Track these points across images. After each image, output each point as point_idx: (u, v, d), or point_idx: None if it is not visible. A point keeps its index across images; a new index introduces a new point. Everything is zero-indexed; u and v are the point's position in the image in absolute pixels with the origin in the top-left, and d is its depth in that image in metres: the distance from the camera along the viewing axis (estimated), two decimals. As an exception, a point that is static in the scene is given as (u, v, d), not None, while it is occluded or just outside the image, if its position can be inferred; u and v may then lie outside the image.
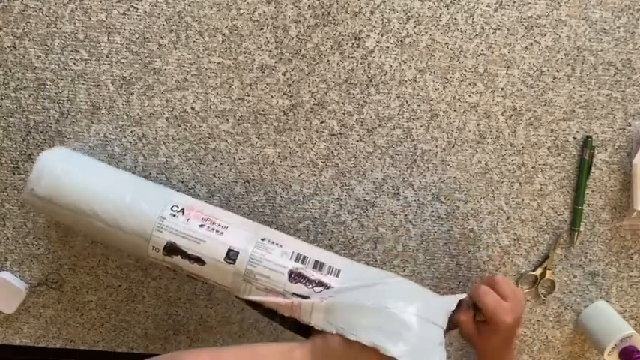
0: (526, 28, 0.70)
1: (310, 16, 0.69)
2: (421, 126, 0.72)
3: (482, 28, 0.70)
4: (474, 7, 0.69)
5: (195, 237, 0.62)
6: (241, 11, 0.68)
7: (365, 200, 0.74)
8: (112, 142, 0.71)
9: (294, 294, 0.60)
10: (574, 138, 0.73)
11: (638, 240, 0.76)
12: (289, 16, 0.69)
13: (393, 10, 0.69)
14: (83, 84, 0.69)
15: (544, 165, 0.74)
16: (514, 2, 0.70)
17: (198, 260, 0.61)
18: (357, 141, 0.72)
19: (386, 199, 0.74)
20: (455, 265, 0.76)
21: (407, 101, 0.71)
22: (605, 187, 0.75)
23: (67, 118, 0.70)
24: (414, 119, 0.72)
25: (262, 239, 0.63)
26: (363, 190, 0.74)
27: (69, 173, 0.64)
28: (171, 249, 0.62)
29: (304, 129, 0.72)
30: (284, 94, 0.71)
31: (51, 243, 0.73)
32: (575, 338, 0.79)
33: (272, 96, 0.71)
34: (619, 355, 0.72)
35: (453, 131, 0.72)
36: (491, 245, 0.75)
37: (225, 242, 0.62)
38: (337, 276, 0.61)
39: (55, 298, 0.75)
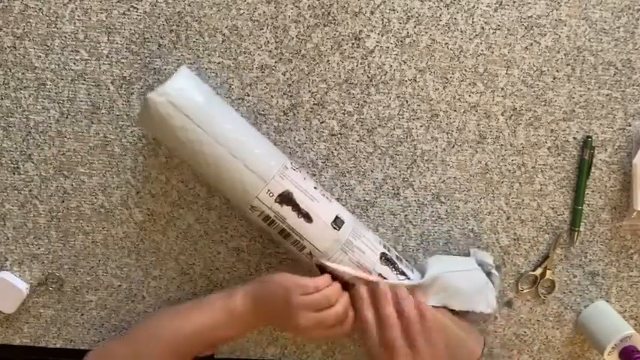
0: (526, 28, 0.70)
1: (310, 16, 0.69)
2: (421, 126, 0.72)
3: (482, 28, 0.70)
4: (474, 7, 0.69)
5: (311, 194, 0.64)
6: (241, 11, 0.68)
7: (365, 200, 0.74)
8: (112, 142, 0.71)
9: (380, 275, 0.65)
10: (574, 138, 0.73)
11: (638, 240, 0.76)
12: (289, 16, 0.69)
13: (393, 10, 0.69)
14: (83, 84, 0.69)
15: (544, 165, 0.74)
16: (514, 2, 0.70)
17: (307, 217, 0.63)
18: (357, 141, 0.72)
19: (386, 199, 0.74)
20: (455, 265, 0.76)
21: (407, 101, 0.71)
22: (605, 187, 0.75)
23: (67, 118, 0.70)
24: (414, 119, 0.72)
25: (359, 221, 0.68)
26: (363, 190, 0.74)
27: (208, 94, 0.64)
28: (287, 198, 0.63)
29: (304, 129, 0.72)
30: (284, 94, 0.71)
31: (51, 243, 0.73)
32: (575, 338, 0.79)
33: (272, 96, 0.71)
34: (619, 355, 0.72)
35: (453, 131, 0.72)
36: (491, 245, 0.75)
37: (334, 209, 0.66)
38: (412, 272, 0.68)
39: (55, 298, 0.75)
